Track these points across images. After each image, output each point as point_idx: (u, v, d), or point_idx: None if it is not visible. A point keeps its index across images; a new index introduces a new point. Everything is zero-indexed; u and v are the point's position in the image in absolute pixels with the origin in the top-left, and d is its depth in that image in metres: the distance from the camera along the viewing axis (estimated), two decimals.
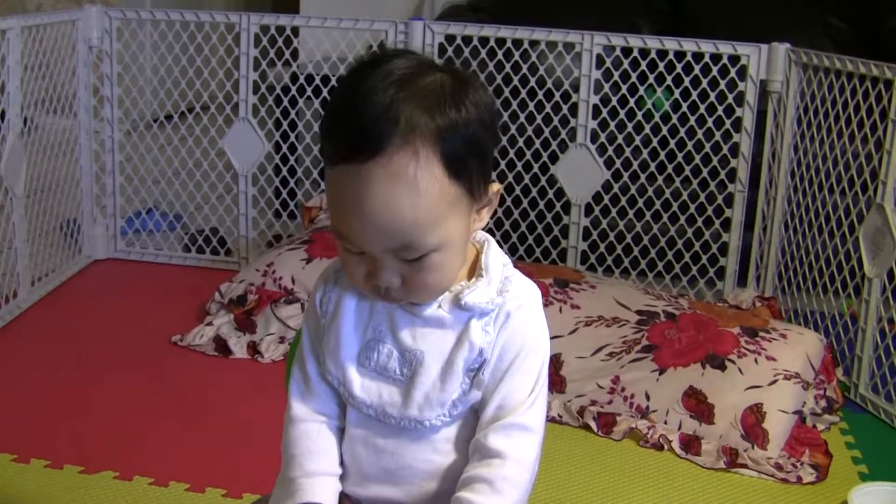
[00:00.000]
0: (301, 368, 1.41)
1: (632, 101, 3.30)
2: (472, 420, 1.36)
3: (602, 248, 3.42)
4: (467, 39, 3.36)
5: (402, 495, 1.38)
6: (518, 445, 1.32)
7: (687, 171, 3.30)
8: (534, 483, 1.35)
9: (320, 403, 1.40)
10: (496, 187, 1.32)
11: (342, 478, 1.41)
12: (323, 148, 1.27)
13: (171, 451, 2.37)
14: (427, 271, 1.27)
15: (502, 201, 3.45)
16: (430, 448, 1.36)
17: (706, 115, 3.23)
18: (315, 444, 1.39)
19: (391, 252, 1.24)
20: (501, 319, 1.33)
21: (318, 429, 1.40)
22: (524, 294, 1.35)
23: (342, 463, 1.41)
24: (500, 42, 3.35)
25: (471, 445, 1.34)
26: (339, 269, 1.38)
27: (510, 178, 3.44)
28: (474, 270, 1.36)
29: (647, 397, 2.60)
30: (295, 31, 3.48)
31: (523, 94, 3.36)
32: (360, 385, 1.35)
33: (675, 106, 3.31)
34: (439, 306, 1.33)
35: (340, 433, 1.41)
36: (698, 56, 3.21)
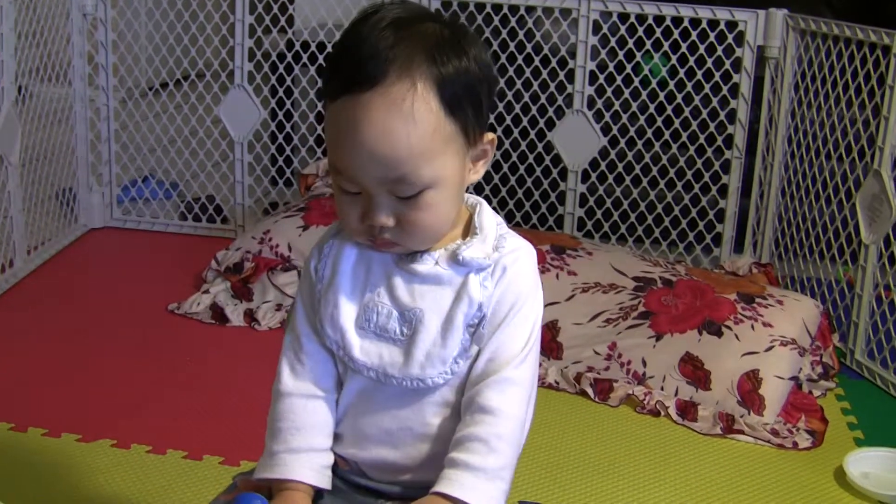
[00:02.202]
0: (294, 339, 1.42)
1: (629, 68, 3.29)
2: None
3: (599, 214, 3.41)
4: (463, 5, 3.34)
5: (400, 457, 1.39)
6: (511, 401, 1.33)
7: (684, 138, 3.30)
8: (526, 438, 1.38)
9: (311, 377, 1.40)
10: (491, 136, 1.34)
11: (341, 441, 1.42)
12: (324, 87, 1.30)
13: (169, 419, 2.37)
14: (421, 210, 1.28)
15: (498, 167, 3.44)
16: (429, 410, 1.37)
17: (703, 81, 3.22)
18: (302, 419, 1.39)
19: (386, 187, 1.26)
20: (498, 273, 1.35)
21: (305, 404, 1.40)
22: (519, 250, 1.38)
23: (341, 428, 1.42)
24: (497, 8, 3.34)
25: (462, 401, 1.35)
26: (335, 235, 1.39)
27: (507, 144, 3.43)
28: (468, 230, 1.38)
29: (644, 364, 2.60)
30: None
31: (520, 60, 3.35)
32: (360, 347, 1.36)
33: (672, 72, 3.30)
34: (436, 263, 1.34)
35: (333, 406, 1.41)
36: (695, 22, 3.20)
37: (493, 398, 1.32)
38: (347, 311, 1.36)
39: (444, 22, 1.31)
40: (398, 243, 1.32)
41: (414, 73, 1.24)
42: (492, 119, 3.23)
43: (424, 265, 1.35)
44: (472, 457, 1.30)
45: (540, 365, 2.63)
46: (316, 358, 1.40)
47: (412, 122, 1.23)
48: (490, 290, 1.34)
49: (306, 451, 1.39)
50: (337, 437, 1.42)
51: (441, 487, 1.29)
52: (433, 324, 1.34)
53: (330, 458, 1.40)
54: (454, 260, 1.34)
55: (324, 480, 1.39)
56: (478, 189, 3.44)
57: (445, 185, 1.28)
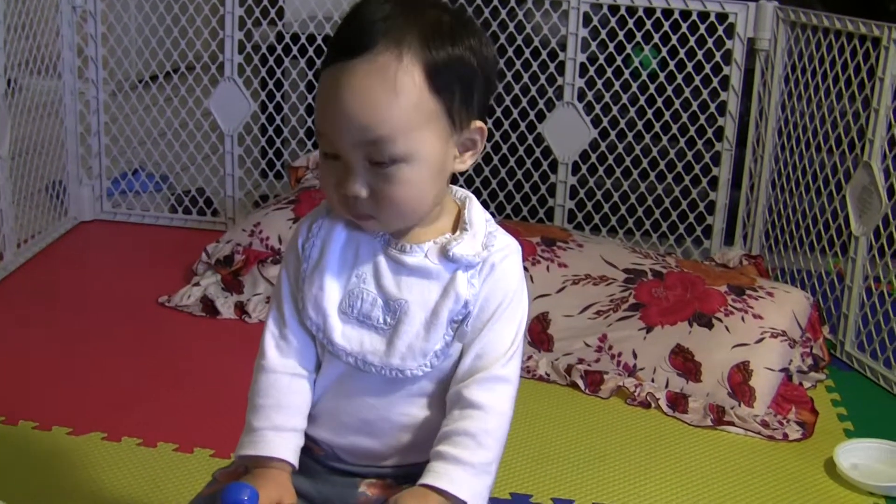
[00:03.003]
0: (278, 314, 1.41)
1: (619, 60, 3.29)
2: (451, 375, 1.37)
3: (589, 206, 3.41)
4: None
5: (377, 444, 1.40)
6: (500, 398, 1.34)
7: (674, 130, 3.30)
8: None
9: (295, 354, 1.40)
10: (480, 124, 1.34)
11: (317, 425, 1.42)
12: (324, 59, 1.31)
13: (159, 412, 2.37)
14: (395, 184, 1.28)
15: (489, 159, 3.44)
16: (408, 401, 1.38)
17: (694, 73, 3.22)
18: (286, 397, 1.39)
19: (361, 151, 1.26)
20: (486, 271, 1.35)
21: (289, 382, 1.40)
22: (507, 248, 1.38)
23: (317, 411, 1.42)
24: (487, 0, 3.33)
25: (448, 396, 1.35)
26: (325, 215, 1.40)
27: (497, 136, 3.43)
28: (458, 224, 1.38)
29: (635, 355, 2.61)
30: None
31: (510, 52, 3.35)
32: (342, 332, 1.36)
33: (663, 64, 3.30)
34: (426, 256, 1.35)
35: (312, 387, 1.41)
36: (686, 14, 3.20)
37: (481, 395, 1.33)
38: (331, 295, 1.36)
39: (448, 10, 1.32)
40: (374, 217, 1.32)
41: (403, 46, 1.25)
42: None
43: (414, 257, 1.35)
44: (460, 451, 1.30)
45: (530, 357, 2.65)
46: (300, 337, 1.40)
47: (393, 91, 1.24)
48: (477, 287, 1.34)
49: (289, 431, 1.39)
50: (312, 420, 1.42)
51: (429, 480, 1.29)
52: (418, 316, 1.34)
53: (302, 440, 1.41)
54: (444, 255, 1.34)
55: (296, 462, 1.39)
56: (468, 181, 3.44)
57: (421, 163, 1.28)
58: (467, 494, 1.29)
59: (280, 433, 1.38)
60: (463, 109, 1.31)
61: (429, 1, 1.32)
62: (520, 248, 1.40)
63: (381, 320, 1.35)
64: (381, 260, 1.36)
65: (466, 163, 1.36)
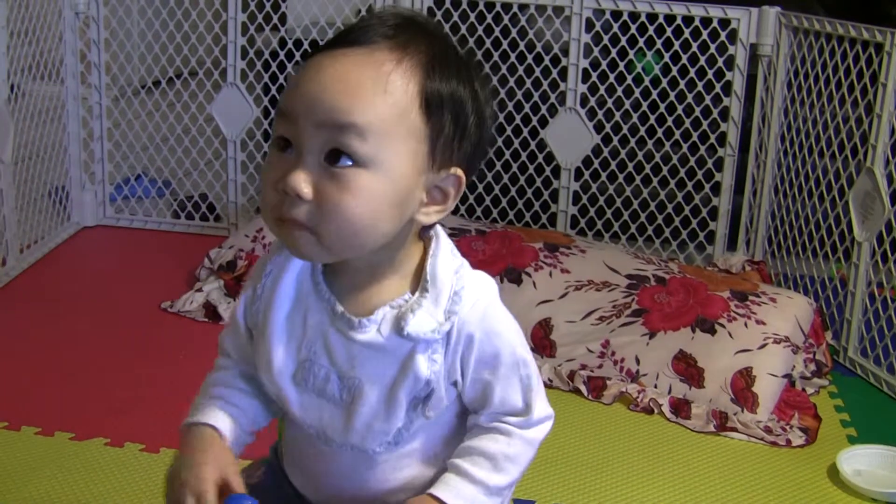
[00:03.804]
0: (233, 332, 1.34)
1: (621, 65, 3.29)
2: (445, 419, 1.27)
3: (592, 212, 3.41)
4: (456, 3, 3.34)
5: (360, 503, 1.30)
6: (524, 429, 1.27)
7: (677, 135, 3.30)
8: None
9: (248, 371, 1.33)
10: (460, 173, 1.19)
11: (294, 474, 1.35)
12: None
13: (162, 418, 2.37)
14: (346, 190, 1.10)
15: (491, 165, 3.44)
16: (386, 467, 1.27)
17: (696, 78, 3.22)
18: (236, 398, 1.32)
19: (322, 137, 1.10)
20: (461, 343, 1.20)
21: (243, 387, 1.33)
22: (478, 302, 1.21)
23: (290, 458, 1.35)
24: (490, 6, 3.33)
25: (470, 427, 1.27)
26: (267, 274, 1.27)
27: (500, 142, 3.43)
28: (419, 279, 1.21)
29: (637, 361, 2.60)
30: None
31: (512, 58, 3.35)
32: (300, 404, 1.25)
33: (665, 70, 3.29)
34: (378, 330, 1.19)
35: (268, 412, 1.34)
36: (688, 19, 3.20)
37: (508, 425, 1.25)
38: (284, 366, 1.24)
39: (458, 47, 1.21)
40: (310, 229, 1.12)
41: (406, 54, 1.13)
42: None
43: (365, 334, 1.20)
44: (475, 469, 1.23)
45: None
46: (252, 389, 1.33)
47: (383, 87, 1.11)
48: (439, 363, 1.20)
49: (230, 405, 1.31)
50: (291, 468, 1.36)
51: (437, 491, 1.22)
52: (373, 395, 1.20)
53: (248, 441, 1.32)
54: (398, 331, 1.18)
55: (235, 442, 1.31)
56: (471, 188, 3.44)
57: (384, 177, 1.11)
58: None
59: (214, 401, 1.32)
60: (448, 149, 1.17)
61: (442, 32, 1.21)
62: (494, 289, 1.24)
63: (337, 395, 1.22)
64: (330, 332, 1.21)
65: (430, 217, 1.19)
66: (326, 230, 1.12)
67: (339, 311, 1.20)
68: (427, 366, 1.19)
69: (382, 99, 1.11)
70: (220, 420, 1.30)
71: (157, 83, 3.70)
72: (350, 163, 1.10)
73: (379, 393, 1.20)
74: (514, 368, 1.24)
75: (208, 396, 1.33)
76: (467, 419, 1.28)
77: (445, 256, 1.21)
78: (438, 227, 1.24)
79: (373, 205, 1.11)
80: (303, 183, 1.10)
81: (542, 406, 1.27)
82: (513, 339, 1.24)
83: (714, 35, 3.17)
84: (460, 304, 1.19)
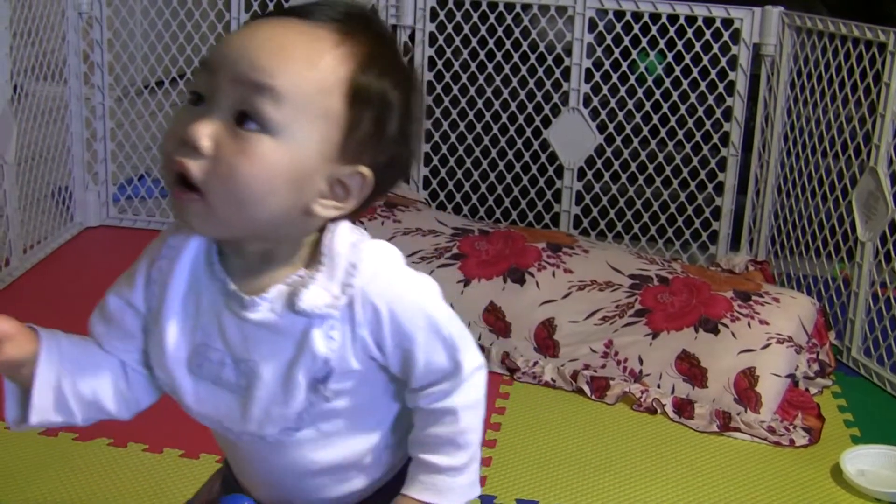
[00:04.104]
0: (103, 302, 1.28)
1: (624, 65, 3.29)
2: (369, 398, 1.21)
3: (595, 212, 3.41)
4: (459, 3, 3.34)
5: (301, 493, 1.26)
6: (463, 395, 1.19)
7: (680, 135, 3.29)
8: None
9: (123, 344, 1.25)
10: (367, 172, 1.13)
11: (239, 476, 1.31)
12: None
13: (165, 418, 2.35)
14: (244, 153, 1.05)
15: (494, 165, 3.44)
16: (307, 447, 1.21)
17: (699, 78, 3.22)
18: (88, 349, 1.25)
19: (237, 93, 1.06)
20: (367, 317, 1.14)
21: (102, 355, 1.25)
22: (378, 274, 1.15)
23: (228, 457, 1.30)
24: (492, 6, 3.34)
25: (413, 410, 1.22)
26: (163, 257, 1.22)
27: (503, 142, 3.43)
28: (315, 255, 1.15)
29: (641, 361, 2.60)
30: None
31: (515, 58, 3.35)
32: (195, 395, 1.20)
33: (668, 69, 3.29)
34: (271, 308, 1.14)
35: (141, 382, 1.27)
36: (691, 19, 3.20)
37: (444, 404, 1.19)
38: (177, 353, 1.19)
39: (397, 50, 1.16)
40: (201, 191, 1.07)
41: (348, 40, 1.10)
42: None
43: (257, 313, 1.14)
44: (438, 458, 1.20)
45: (535, 363, 2.65)
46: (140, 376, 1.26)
47: (311, 60, 1.07)
48: (338, 339, 1.13)
49: (63, 339, 1.25)
50: (237, 473, 1.32)
51: (411, 491, 1.20)
52: (270, 378, 1.15)
53: (69, 389, 1.22)
54: (291, 307, 1.12)
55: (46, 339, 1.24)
56: (474, 187, 3.44)
57: (286, 150, 1.06)
58: (455, 499, 1.20)
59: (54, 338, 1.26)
60: (361, 146, 1.11)
61: (391, 34, 1.18)
62: (393, 254, 1.17)
63: (232, 381, 1.17)
64: (224, 314, 1.16)
65: (327, 210, 1.13)
66: (216, 191, 1.06)
67: (232, 289, 1.15)
68: (324, 343, 1.13)
69: (308, 70, 1.07)
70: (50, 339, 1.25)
71: (160, 83, 3.70)
72: (257, 125, 1.06)
73: (275, 376, 1.15)
74: (432, 332, 1.16)
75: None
76: (403, 396, 1.23)
77: (343, 231, 1.15)
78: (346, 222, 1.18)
79: (267, 174, 1.06)
80: (204, 134, 1.05)
81: (470, 359, 1.19)
82: (424, 304, 1.16)
83: (717, 35, 3.17)
84: (357, 276, 1.12)
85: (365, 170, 1.12)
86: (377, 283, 1.13)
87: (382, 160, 1.14)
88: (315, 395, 1.15)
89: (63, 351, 1.24)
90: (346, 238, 1.14)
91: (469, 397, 1.19)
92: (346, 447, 1.22)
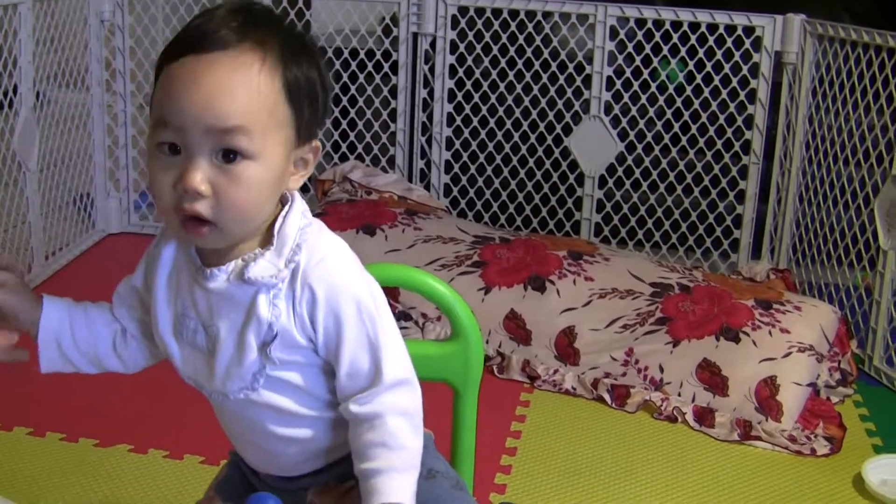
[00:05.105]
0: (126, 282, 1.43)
1: (646, 73, 3.29)
2: (314, 368, 1.32)
3: (616, 220, 3.41)
4: (480, 11, 3.35)
5: (282, 460, 1.38)
6: (388, 402, 1.27)
7: (701, 143, 3.29)
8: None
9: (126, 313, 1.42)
10: (316, 143, 1.31)
11: (248, 459, 1.44)
12: (162, 55, 1.27)
13: (186, 425, 2.37)
14: (239, 183, 1.21)
15: (515, 172, 3.44)
16: (266, 417, 1.33)
17: (720, 86, 3.22)
18: (93, 322, 1.42)
19: (211, 141, 1.20)
20: (303, 295, 1.27)
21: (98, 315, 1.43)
22: (323, 261, 1.28)
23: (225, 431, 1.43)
24: (514, 14, 3.34)
25: (343, 412, 1.30)
26: (157, 244, 1.37)
27: (524, 150, 3.43)
28: (269, 238, 1.30)
29: (661, 369, 2.60)
30: (307, 2, 3.47)
31: (536, 65, 3.35)
32: (181, 357, 1.36)
33: (690, 77, 3.29)
34: (228, 279, 1.28)
35: (118, 355, 1.44)
36: (713, 27, 3.19)
37: (368, 408, 1.27)
38: (165, 322, 1.35)
39: (297, 31, 1.31)
40: (212, 222, 1.23)
41: (265, 51, 1.23)
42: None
43: (215, 282, 1.29)
44: (376, 464, 1.26)
45: (556, 370, 2.64)
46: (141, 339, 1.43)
47: (255, 88, 1.21)
48: (282, 309, 1.27)
49: (69, 305, 1.42)
50: (236, 446, 1.46)
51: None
52: (229, 341, 1.30)
53: (64, 342, 1.42)
54: (241, 277, 1.27)
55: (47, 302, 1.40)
56: (495, 195, 3.44)
57: (267, 167, 1.23)
58: (403, 497, 1.25)
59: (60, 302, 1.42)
60: (308, 127, 1.28)
61: (276, 19, 1.29)
62: (342, 250, 1.31)
63: (204, 346, 1.33)
64: (194, 286, 1.31)
65: (298, 181, 1.31)
66: (225, 220, 1.23)
67: (199, 265, 1.31)
68: (268, 309, 1.27)
69: (257, 100, 1.21)
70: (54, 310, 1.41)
71: None
72: (239, 157, 1.21)
73: (232, 338, 1.30)
74: (360, 325, 1.28)
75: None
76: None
77: (294, 217, 1.30)
78: (295, 192, 1.33)
79: (260, 189, 1.24)
80: (200, 179, 1.20)
81: (392, 368, 1.28)
82: (359, 296, 1.28)
83: (739, 43, 3.17)
84: (300, 255, 1.27)
85: (315, 141, 1.31)
86: (320, 269, 1.27)
87: (322, 117, 1.32)
88: (266, 357, 1.28)
89: (65, 315, 1.42)
90: (295, 223, 1.29)
91: (394, 404, 1.28)
92: (297, 421, 1.34)
